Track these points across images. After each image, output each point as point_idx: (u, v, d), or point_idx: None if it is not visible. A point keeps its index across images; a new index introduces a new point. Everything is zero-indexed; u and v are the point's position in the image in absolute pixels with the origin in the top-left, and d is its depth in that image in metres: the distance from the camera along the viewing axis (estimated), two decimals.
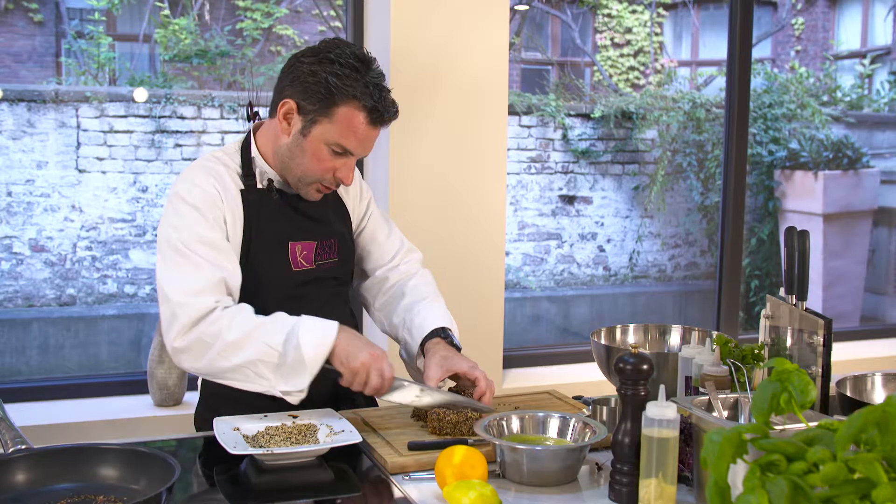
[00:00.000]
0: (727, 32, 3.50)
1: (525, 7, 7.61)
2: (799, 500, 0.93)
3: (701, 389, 1.69)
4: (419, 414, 1.83)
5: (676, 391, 1.82)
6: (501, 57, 2.85)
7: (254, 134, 1.91)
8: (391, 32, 2.71)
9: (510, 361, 3.24)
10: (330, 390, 1.89)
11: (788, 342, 1.85)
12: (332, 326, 1.73)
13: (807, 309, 1.81)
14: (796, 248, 1.83)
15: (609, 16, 8.83)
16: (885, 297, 6.27)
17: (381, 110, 1.78)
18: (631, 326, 2.14)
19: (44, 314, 5.69)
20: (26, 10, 6.92)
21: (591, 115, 6.79)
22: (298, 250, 1.89)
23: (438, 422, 1.73)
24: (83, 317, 5.78)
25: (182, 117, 5.91)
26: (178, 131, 5.91)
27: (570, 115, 6.76)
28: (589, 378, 3.09)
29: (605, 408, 1.79)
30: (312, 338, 1.70)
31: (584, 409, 1.85)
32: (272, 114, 1.86)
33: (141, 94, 5.86)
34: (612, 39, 8.81)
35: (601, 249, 6.99)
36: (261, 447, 1.61)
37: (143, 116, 5.84)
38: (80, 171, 5.76)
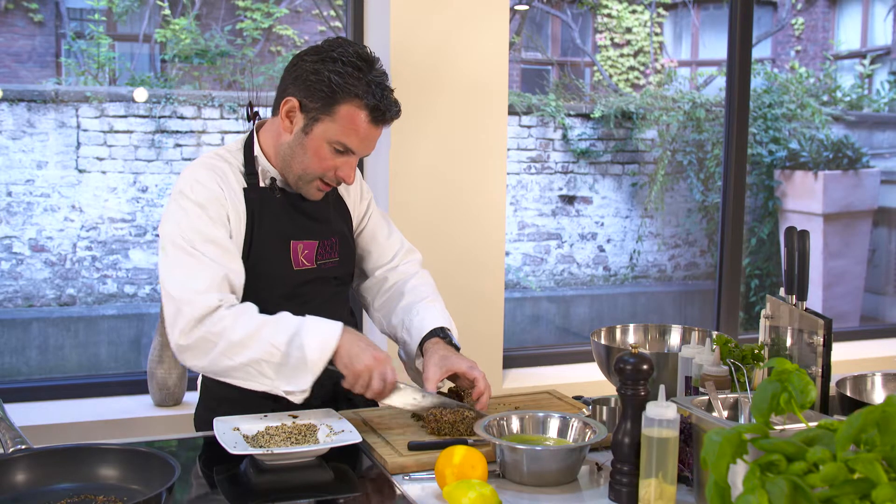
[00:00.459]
0: (727, 32, 3.50)
1: (525, 7, 7.61)
2: (799, 500, 0.93)
3: (701, 389, 1.68)
4: (418, 414, 1.83)
5: (676, 391, 1.82)
6: (501, 57, 2.85)
7: (257, 133, 1.92)
8: (391, 32, 2.71)
9: (510, 361, 3.24)
10: (330, 390, 1.89)
11: (788, 342, 1.85)
12: (336, 328, 1.73)
13: (807, 309, 1.81)
14: (796, 248, 1.83)
15: (609, 16, 8.83)
16: (885, 297, 6.27)
17: (383, 109, 1.79)
18: (631, 326, 2.14)
19: (44, 314, 5.69)
20: (26, 10, 6.93)
21: (591, 115, 6.79)
22: (300, 249, 1.89)
23: (436, 422, 1.73)
24: (83, 317, 5.78)
25: (182, 117, 5.91)
26: (178, 131, 5.91)
27: (570, 115, 6.76)
28: (589, 378, 3.09)
29: (605, 408, 1.79)
30: (316, 339, 1.70)
31: (584, 409, 1.85)
32: (275, 112, 1.86)
33: (141, 94, 5.86)
34: (612, 39, 8.81)
35: (601, 249, 7.00)
36: (261, 447, 1.61)
37: (143, 116, 5.85)
38: (80, 171, 5.76)
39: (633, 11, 8.86)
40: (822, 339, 1.73)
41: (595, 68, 8.60)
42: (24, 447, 1.45)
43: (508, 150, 5.64)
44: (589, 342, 2.06)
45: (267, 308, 1.77)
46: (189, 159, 5.84)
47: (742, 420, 1.58)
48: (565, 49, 8.88)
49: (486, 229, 2.90)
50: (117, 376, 2.95)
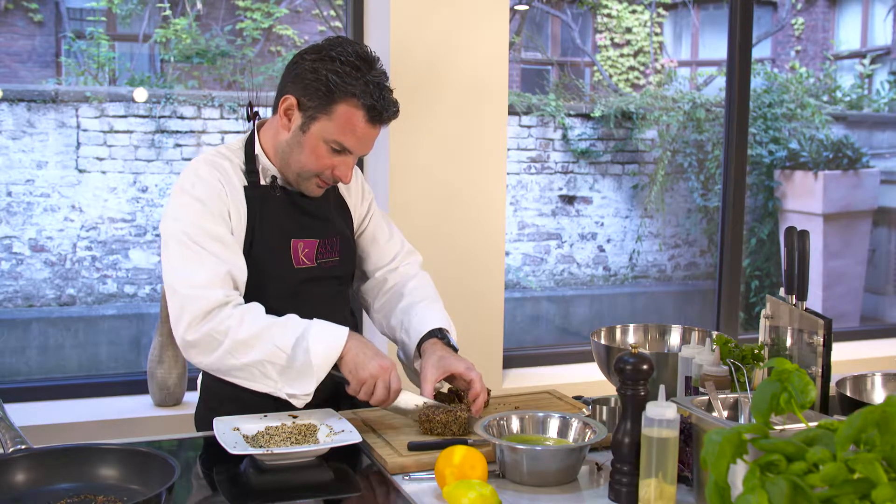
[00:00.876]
0: (727, 32, 3.50)
1: (525, 7, 7.61)
2: (799, 500, 0.93)
3: (701, 389, 1.68)
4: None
5: (676, 391, 1.82)
6: (501, 57, 2.85)
7: (258, 131, 1.92)
8: (391, 32, 2.71)
9: (510, 361, 3.24)
10: (330, 390, 1.89)
11: (788, 342, 1.85)
12: (342, 334, 1.74)
13: (807, 309, 1.81)
14: (796, 248, 1.83)
15: (609, 16, 8.83)
16: (885, 297, 6.27)
17: (380, 109, 1.79)
18: (631, 326, 2.14)
19: (44, 314, 5.69)
20: (26, 10, 6.93)
21: (591, 115, 6.79)
22: (300, 248, 1.89)
23: (428, 422, 1.73)
24: (83, 317, 5.78)
25: (182, 117, 5.91)
26: (178, 131, 5.91)
27: (569, 115, 6.76)
28: (589, 378, 3.09)
29: (605, 408, 1.79)
30: (322, 344, 1.71)
31: (584, 409, 1.85)
32: (275, 110, 1.87)
33: (141, 94, 5.86)
34: (612, 39, 8.81)
35: (601, 249, 7.00)
36: (261, 447, 1.61)
37: (143, 116, 5.85)
38: (80, 171, 5.76)
39: (633, 11, 8.86)
40: (822, 339, 1.73)
41: (595, 68, 8.60)
42: (24, 447, 1.45)
43: (508, 150, 5.64)
44: (589, 342, 2.06)
45: (267, 305, 1.78)
46: (189, 159, 5.83)
47: (742, 420, 1.58)
48: (565, 49, 8.88)
49: (486, 229, 2.90)
50: (117, 376, 2.95)
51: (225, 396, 1.87)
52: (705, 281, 7.05)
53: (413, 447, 1.66)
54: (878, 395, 1.94)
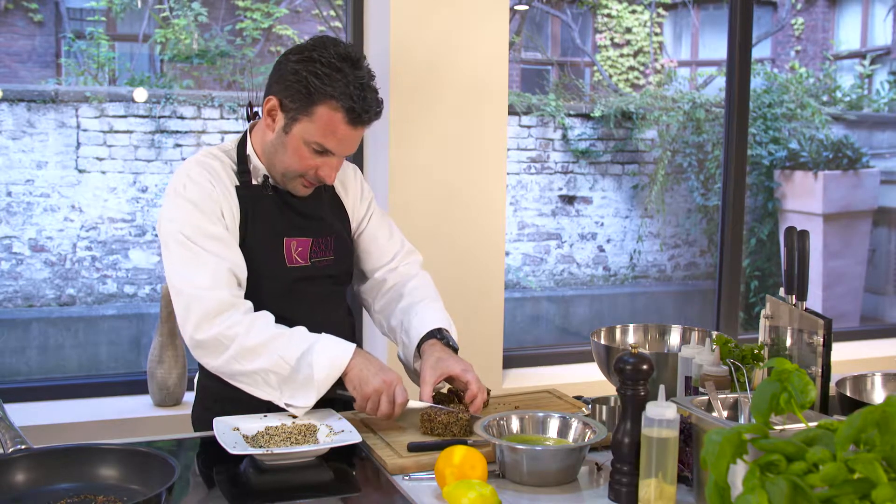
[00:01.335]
0: (727, 32, 3.50)
1: (525, 7, 7.61)
2: (799, 500, 0.93)
3: (701, 389, 1.68)
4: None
5: (676, 391, 1.82)
6: (501, 57, 2.85)
7: (250, 132, 1.93)
8: (391, 32, 2.71)
9: (510, 361, 3.24)
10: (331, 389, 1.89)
11: (788, 342, 1.85)
12: (347, 350, 1.74)
13: (807, 309, 1.81)
14: (796, 248, 1.83)
15: (609, 16, 8.83)
16: (885, 297, 6.27)
17: (360, 111, 1.78)
18: (631, 326, 2.14)
19: (44, 314, 5.69)
20: (26, 10, 6.93)
21: (591, 115, 6.79)
22: (293, 247, 1.90)
23: (429, 422, 1.74)
24: (83, 317, 5.78)
25: (182, 117, 5.92)
26: (177, 131, 5.91)
27: (569, 115, 6.76)
28: (589, 378, 3.09)
29: (605, 408, 1.79)
30: (326, 360, 1.72)
31: (584, 409, 1.85)
32: (262, 111, 1.88)
33: (141, 94, 5.86)
34: (611, 39, 8.81)
35: (601, 249, 7.00)
36: (261, 447, 1.61)
37: (143, 116, 5.85)
38: (80, 171, 5.76)
39: (633, 11, 8.86)
40: (822, 339, 1.73)
41: (595, 68, 8.61)
42: (24, 447, 1.45)
43: (508, 150, 5.63)
44: (589, 342, 2.06)
45: (262, 304, 1.79)
46: None
47: (742, 420, 1.58)
48: (565, 49, 8.88)
49: (486, 229, 2.89)
50: (117, 376, 2.95)
51: (222, 396, 1.87)
52: (705, 281, 7.06)
53: (412, 448, 1.66)
54: (878, 395, 1.94)
